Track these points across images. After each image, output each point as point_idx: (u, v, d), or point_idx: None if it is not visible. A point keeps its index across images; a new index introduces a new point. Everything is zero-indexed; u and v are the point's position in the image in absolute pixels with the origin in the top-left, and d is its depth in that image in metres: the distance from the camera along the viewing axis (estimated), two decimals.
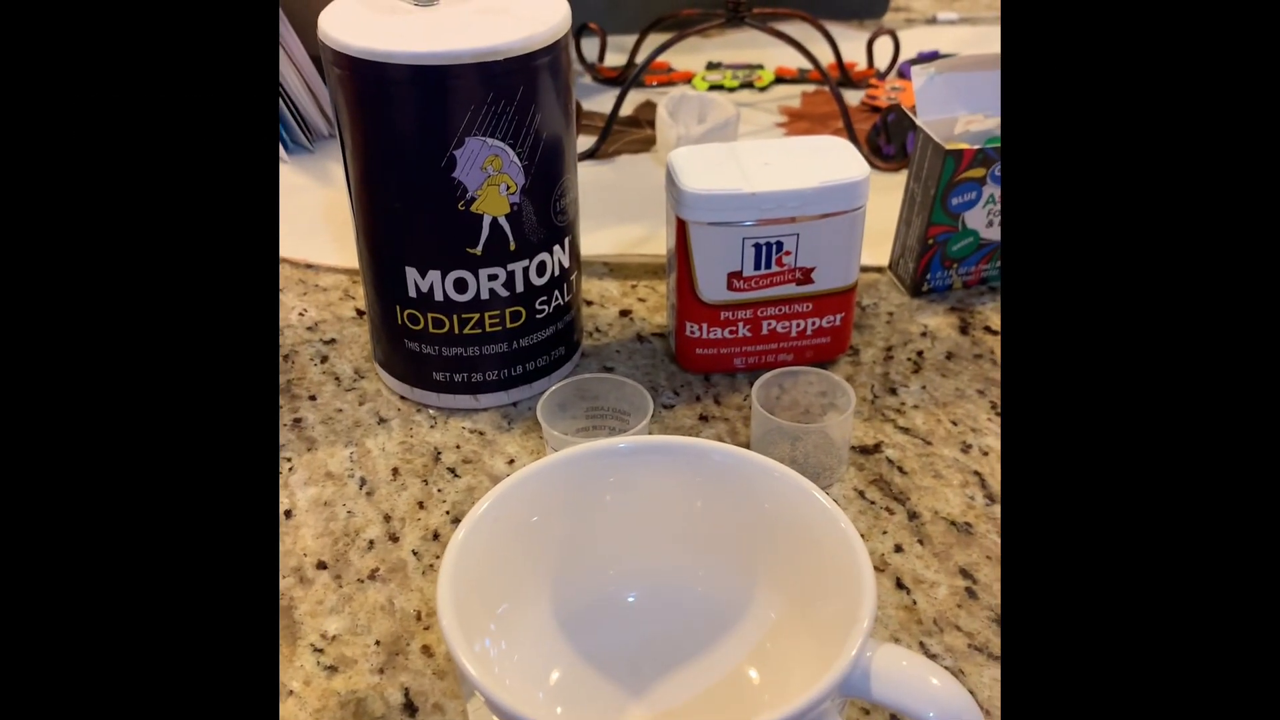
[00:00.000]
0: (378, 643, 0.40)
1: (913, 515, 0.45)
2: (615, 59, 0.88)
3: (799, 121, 0.78)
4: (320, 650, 0.40)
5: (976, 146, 0.54)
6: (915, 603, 0.41)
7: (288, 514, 0.46)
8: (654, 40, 0.89)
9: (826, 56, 0.87)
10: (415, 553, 0.44)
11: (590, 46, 0.89)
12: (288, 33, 0.71)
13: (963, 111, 0.56)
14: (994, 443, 0.49)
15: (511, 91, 0.43)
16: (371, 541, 0.44)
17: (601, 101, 0.81)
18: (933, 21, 0.97)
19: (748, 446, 0.49)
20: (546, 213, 0.47)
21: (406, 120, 0.43)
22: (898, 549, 0.44)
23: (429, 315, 0.48)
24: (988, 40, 0.92)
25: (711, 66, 0.87)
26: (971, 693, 0.38)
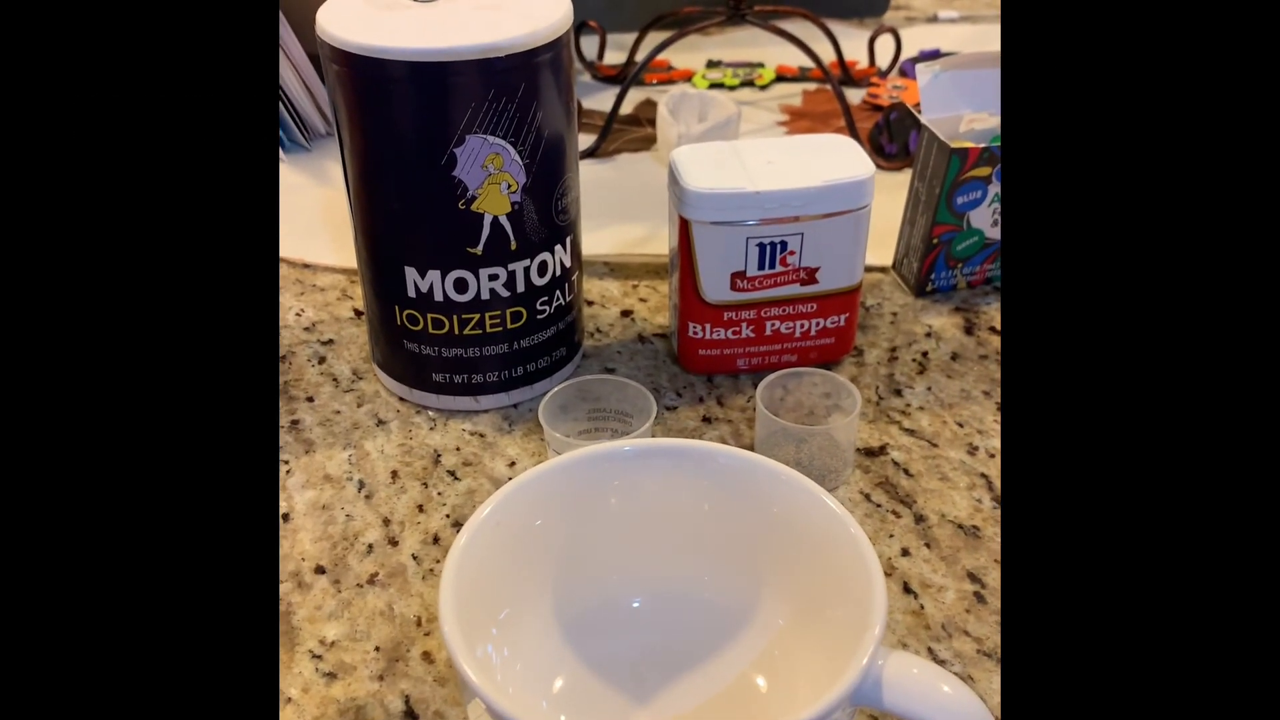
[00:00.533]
0: (377, 649, 0.39)
1: (919, 518, 0.45)
2: (615, 57, 0.87)
3: (800, 120, 0.78)
4: (319, 657, 0.39)
5: (982, 145, 0.54)
6: (923, 607, 0.41)
7: (285, 517, 0.45)
8: (654, 38, 0.88)
9: (828, 54, 0.86)
10: (415, 557, 0.43)
11: (590, 44, 0.88)
12: (285, 31, 0.71)
13: (967, 110, 0.56)
14: (1001, 444, 0.48)
15: (513, 89, 0.43)
16: (370, 545, 0.44)
17: (601, 100, 0.81)
18: (934, 19, 0.97)
19: (751, 448, 0.48)
20: (548, 212, 0.47)
21: (406, 118, 0.43)
22: (905, 553, 0.43)
23: (428, 316, 0.47)
24: (989, 38, 0.91)
25: (712, 64, 0.86)
26: (981, 699, 0.37)
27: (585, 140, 0.74)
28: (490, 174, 0.44)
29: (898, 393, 0.51)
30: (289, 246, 0.63)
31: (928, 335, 0.55)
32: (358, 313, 0.58)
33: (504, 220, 0.45)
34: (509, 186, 0.45)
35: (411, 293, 0.47)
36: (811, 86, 0.83)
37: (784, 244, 0.49)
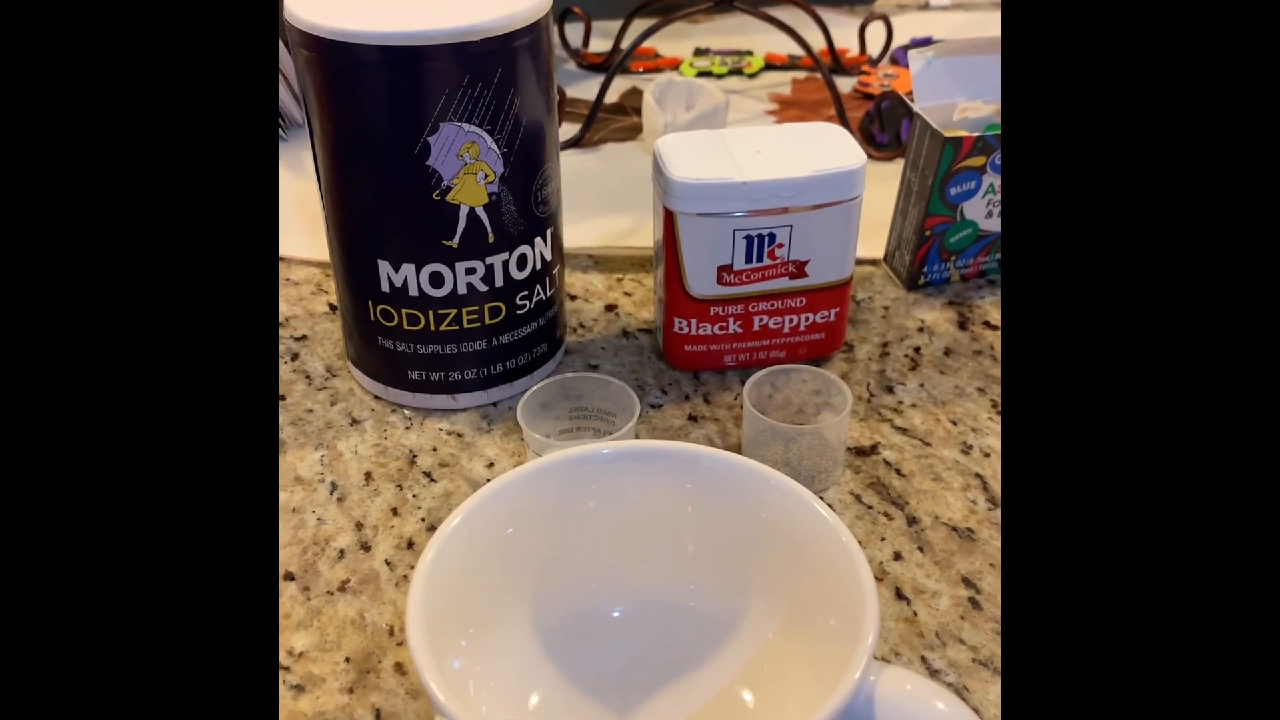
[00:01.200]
0: (348, 660, 0.38)
1: (912, 520, 0.43)
2: (600, 44, 0.86)
3: (790, 109, 0.76)
4: (286, 668, 0.38)
5: (976, 134, 0.52)
6: (916, 614, 0.39)
7: None
8: (640, 25, 0.87)
9: (818, 42, 0.85)
10: (388, 562, 0.41)
11: (574, 31, 0.86)
12: None
13: (961, 97, 0.54)
14: (995, 443, 0.47)
15: (489, 74, 0.41)
16: (342, 551, 0.42)
17: (586, 88, 0.79)
18: (925, 7, 0.95)
19: (739, 448, 0.46)
20: (527, 203, 0.45)
21: (378, 105, 0.41)
22: (897, 557, 0.41)
23: (403, 311, 0.46)
24: (982, 25, 0.89)
25: (699, 52, 0.84)
26: (977, 711, 0.36)
27: (569, 130, 0.72)
28: (466, 163, 0.42)
29: (889, 390, 0.50)
30: None
31: (920, 330, 0.54)
32: (332, 307, 0.56)
33: (481, 212, 0.44)
34: (486, 176, 0.43)
35: (385, 287, 0.45)
36: (801, 75, 0.82)
37: (772, 236, 0.47)
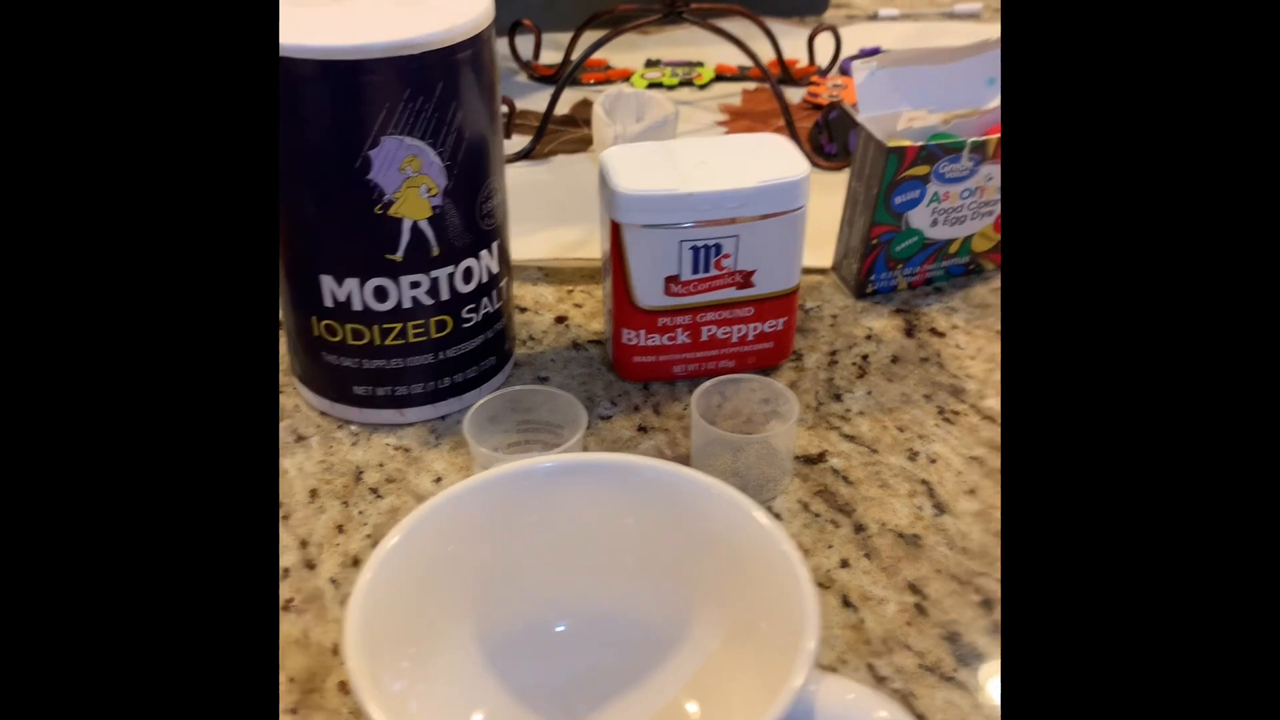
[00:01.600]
0: (291, 680, 0.37)
1: (859, 528, 0.43)
2: (551, 56, 0.86)
3: (740, 120, 0.76)
4: None
5: (920, 143, 0.52)
6: (863, 621, 0.39)
7: None
8: (590, 36, 0.87)
9: (767, 53, 0.85)
10: (333, 580, 0.41)
11: (525, 44, 0.86)
12: None
13: (905, 107, 0.55)
14: (941, 449, 0.47)
15: (430, 87, 0.41)
16: (286, 570, 0.41)
17: (536, 100, 0.79)
18: (874, 18, 0.96)
19: (688, 458, 0.46)
20: (471, 215, 0.45)
21: (317, 119, 0.41)
22: (844, 564, 0.42)
23: (347, 326, 0.45)
24: (930, 36, 0.90)
25: (650, 64, 0.85)
26: (922, 718, 0.36)
27: (520, 141, 0.72)
28: (408, 177, 0.42)
29: (837, 398, 0.50)
30: None
31: (868, 338, 0.54)
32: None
33: (425, 225, 0.43)
34: (429, 190, 0.43)
35: (329, 302, 0.45)
36: (751, 86, 0.82)
37: (718, 247, 0.47)
